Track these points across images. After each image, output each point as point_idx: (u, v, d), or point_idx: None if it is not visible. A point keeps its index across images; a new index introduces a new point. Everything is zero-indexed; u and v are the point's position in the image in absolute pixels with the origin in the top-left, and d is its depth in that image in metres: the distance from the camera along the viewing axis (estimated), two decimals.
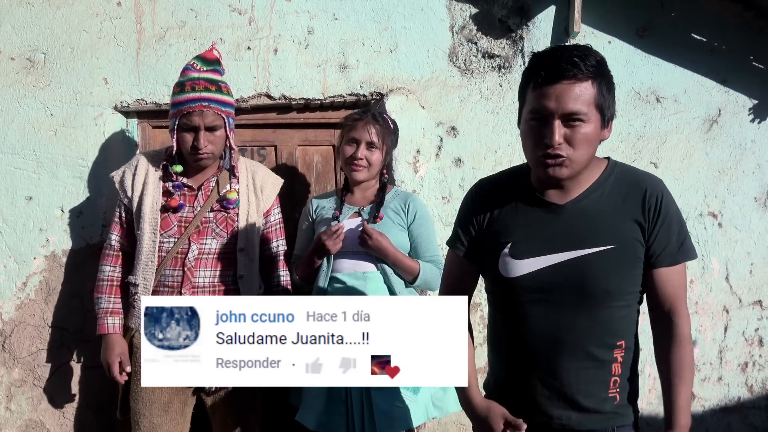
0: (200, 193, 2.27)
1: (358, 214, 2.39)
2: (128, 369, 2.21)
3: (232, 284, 2.26)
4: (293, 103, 2.90)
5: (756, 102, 3.32)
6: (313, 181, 3.06)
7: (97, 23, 2.71)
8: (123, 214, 2.32)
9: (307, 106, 2.96)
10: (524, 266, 1.51)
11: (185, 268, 2.20)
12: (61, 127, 2.69)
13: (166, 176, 2.28)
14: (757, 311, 3.37)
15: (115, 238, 2.33)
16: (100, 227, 2.71)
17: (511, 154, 3.08)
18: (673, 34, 3.22)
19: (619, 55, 3.17)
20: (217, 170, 2.32)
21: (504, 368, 1.67)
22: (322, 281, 2.34)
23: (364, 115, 2.41)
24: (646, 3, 3.18)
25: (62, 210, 2.70)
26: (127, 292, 2.30)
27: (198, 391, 2.27)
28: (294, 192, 2.98)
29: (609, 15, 3.14)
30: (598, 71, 1.40)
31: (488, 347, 1.76)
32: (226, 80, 2.31)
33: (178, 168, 2.26)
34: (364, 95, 2.94)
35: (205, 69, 2.23)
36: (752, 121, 3.32)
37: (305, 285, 2.43)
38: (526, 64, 1.50)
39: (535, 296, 1.51)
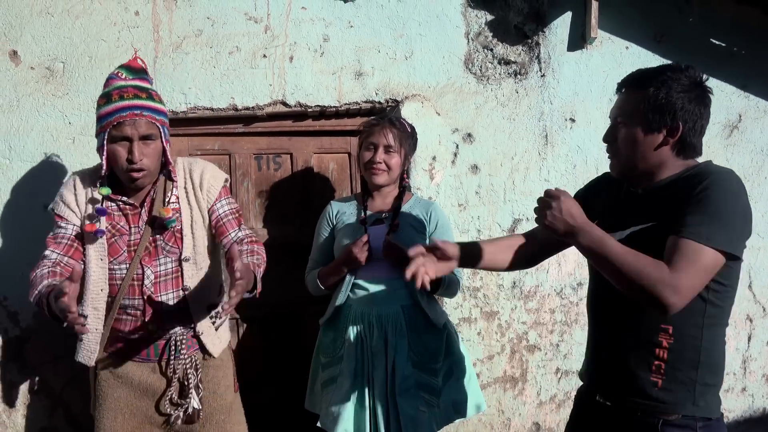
0: (143, 210, 2.03)
1: (381, 221, 2.39)
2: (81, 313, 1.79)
3: (185, 299, 2.05)
4: (309, 110, 2.90)
5: None
6: (328, 189, 3.05)
7: (115, 32, 2.74)
8: (71, 234, 2.00)
9: (323, 113, 2.96)
10: None
11: (144, 297, 1.99)
12: (79, 135, 2.71)
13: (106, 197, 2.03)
14: None
15: (54, 254, 1.98)
16: None
17: (528, 160, 3.06)
18: (691, 39, 3.19)
19: (636, 60, 3.14)
20: (156, 179, 2.08)
21: (588, 351, 1.86)
22: (345, 288, 2.33)
23: (381, 120, 2.42)
24: (663, 8, 3.16)
25: None
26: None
27: (165, 423, 2.08)
28: (310, 199, 2.97)
29: (626, 20, 3.12)
30: (636, 83, 1.64)
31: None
32: (156, 88, 2.09)
33: (105, 190, 1.99)
34: (379, 102, 2.94)
35: (131, 77, 2.01)
36: None
37: (328, 293, 2.42)
38: None
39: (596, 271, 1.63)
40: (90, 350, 2.03)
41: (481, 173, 3.03)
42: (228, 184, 2.20)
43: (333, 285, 2.38)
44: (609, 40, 3.13)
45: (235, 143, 2.95)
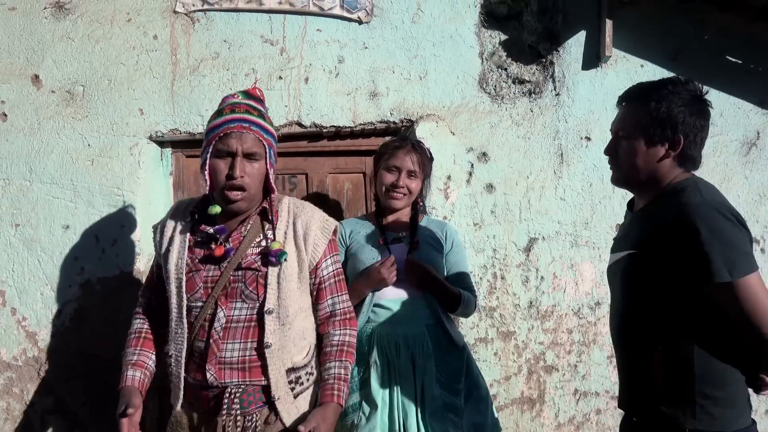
0: (228, 244, 1.86)
1: (400, 240, 2.36)
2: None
3: (264, 359, 1.83)
4: (324, 131, 2.92)
5: None
6: (344, 209, 3.06)
7: (133, 56, 2.79)
8: (155, 269, 2.00)
9: (338, 133, 2.98)
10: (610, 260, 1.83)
11: (210, 340, 1.80)
12: (98, 157, 2.75)
13: (193, 228, 1.91)
14: None
15: (145, 293, 2.05)
16: (134, 256, 2.74)
17: (543, 179, 3.04)
18: (707, 57, 3.17)
19: (652, 78, 3.08)
20: (250, 215, 1.91)
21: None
22: (366, 310, 2.28)
23: (403, 143, 2.37)
24: (679, 26, 3.15)
25: (97, 239, 2.74)
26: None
27: None
28: None
29: (641, 39, 3.12)
30: (637, 97, 1.70)
31: None
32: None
33: (215, 209, 1.85)
34: (394, 122, 2.95)
35: (246, 99, 1.91)
36: None
37: None
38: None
39: (610, 289, 1.80)
40: (176, 394, 1.88)
41: (497, 192, 3.02)
42: (336, 236, 2.03)
43: (356, 307, 2.33)
44: (624, 59, 3.12)
45: None
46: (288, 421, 1.84)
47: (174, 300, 1.86)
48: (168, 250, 1.89)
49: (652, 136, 1.64)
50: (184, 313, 1.84)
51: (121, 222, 2.75)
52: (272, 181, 1.87)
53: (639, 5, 3.06)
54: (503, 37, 3.05)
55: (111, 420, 2.71)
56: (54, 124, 2.74)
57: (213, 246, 1.85)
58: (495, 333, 3.01)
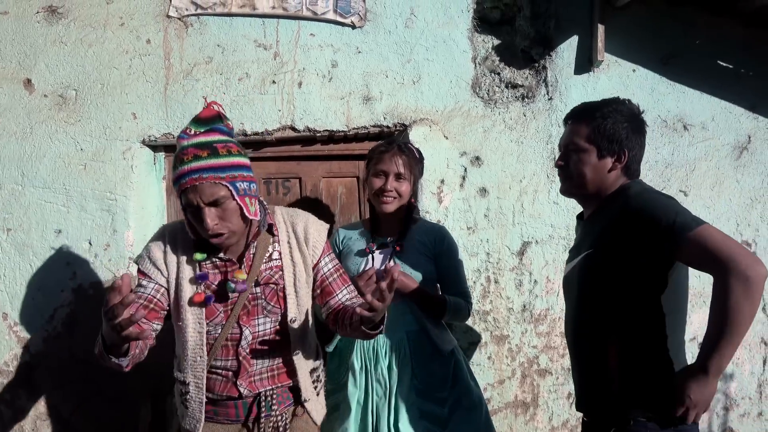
0: (242, 266, 1.85)
1: (387, 245, 2.35)
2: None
3: (291, 364, 1.91)
4: (317, 135, 2.92)
5: None
6: (337, 213, 3.06)
7: (126, 60, 2.78)
8: (149, 293, 1.81)
9: (331, 137, 2.98)
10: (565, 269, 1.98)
11: (240, 357, 1.83)
12: (91, 161, 2.74)
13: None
14: None
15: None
16: (126, 260, 2.73)
17: (537, 183, 3.05)
18: (699, 61, 3.19)
19: (644, 83, 3.14)
20: (257, 232, 1.89)
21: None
22: None
23: (390, 146, 2.35)
24: (671, 31, 3.17)
25: (90, 243, 2.73)
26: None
27: None
28: None
29: (633, 43, 3.13)
30: (583, 115, 1.84)
31: None
32: (228, 137, 1.79)
33: (200, 255, 1.82)
34: (387, 126, 2.96)
35: (200, 131, 1.76)
36: None
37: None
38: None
39: (565, 299, 1.97)
40: (195, 418, 1.87)
41: (490, 196, 3.02)
42: (328, 235, 2.05)
43: None
44: (616, 63, 3.13)
45: None
46: (317, 418, 1.99)
47: (192, 327, 1.81)
48: (179, 276, 1.83)
49: (602, 149, 1.78)
50: (205, 340, 1.82)
51: (114, 227, 2.74)
52: (248, 211, 1.75)
53: (631, 10, 3.07)
54: (496, 41, 3.07)
55: (104, 426, 2.71)
56: (46, 128, 2.74)
57: (227, 268, 1.84)
58: (489, 337, 3.01)
